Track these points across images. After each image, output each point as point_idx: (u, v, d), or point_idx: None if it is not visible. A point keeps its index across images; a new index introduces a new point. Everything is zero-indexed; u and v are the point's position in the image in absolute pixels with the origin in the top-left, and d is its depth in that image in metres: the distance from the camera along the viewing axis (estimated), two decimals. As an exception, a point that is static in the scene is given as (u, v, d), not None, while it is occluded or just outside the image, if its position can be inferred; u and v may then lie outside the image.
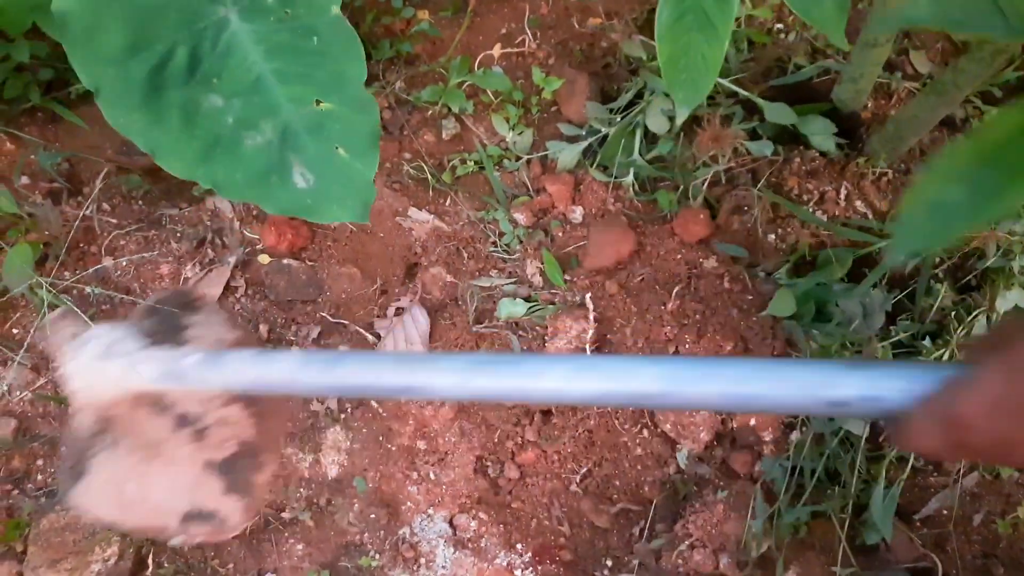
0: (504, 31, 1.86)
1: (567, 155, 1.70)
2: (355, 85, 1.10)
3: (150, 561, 1.40)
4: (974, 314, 1.50)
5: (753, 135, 1.65)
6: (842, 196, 1.58)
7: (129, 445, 0.70)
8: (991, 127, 0.79)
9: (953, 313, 1.51)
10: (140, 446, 0.70)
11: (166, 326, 0.72)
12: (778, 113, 1.61)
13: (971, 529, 1.49)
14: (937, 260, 1.55)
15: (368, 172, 1.07)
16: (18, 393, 1.51)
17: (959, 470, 1.51)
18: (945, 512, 1.50)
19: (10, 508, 1.43)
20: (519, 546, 1.48)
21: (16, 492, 1.45)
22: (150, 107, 1.03)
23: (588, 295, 1.55)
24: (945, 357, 1.47)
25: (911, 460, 1.48)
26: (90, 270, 1.58)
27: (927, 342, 1.50)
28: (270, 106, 1.08)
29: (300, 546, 1.46)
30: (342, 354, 0.64)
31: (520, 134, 1.77)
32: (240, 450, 0.70)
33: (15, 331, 1.55)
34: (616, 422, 1.51)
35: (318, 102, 1.09)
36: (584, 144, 1.71)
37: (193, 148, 1.04)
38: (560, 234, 1.66)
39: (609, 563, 1.46)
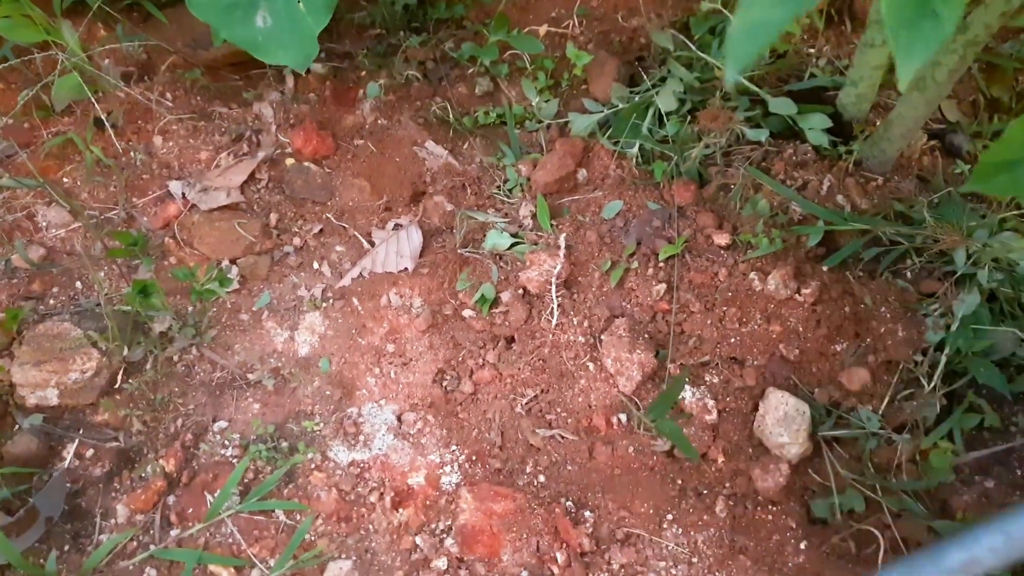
0: (554, 15, 2.03)
1: (581, 122, 1.83)
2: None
3: (119, 378, 1.55)
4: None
5: (756, 127, 1.74)
6: (824, 187, 1.64)
7: None
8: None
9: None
10: None
11: None
12: (780, 105, 1.69)
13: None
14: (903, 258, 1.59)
15: (316, 28, 1.25)
16: (53, 231, 1.71)
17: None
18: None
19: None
20: (455, 448, 1.55)
21: (29, 308, 1.63)
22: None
23: (564, 235, 1.65)
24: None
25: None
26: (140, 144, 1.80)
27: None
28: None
29: (257, 405, 1.58)
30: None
31: (547, 101, 1.91)
32: None
33: (65, 180, 1.77)
34: (564, 354, 1.59)
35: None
36: (600, 116, 1.83)
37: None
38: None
39: (528, 469, 1.53)
